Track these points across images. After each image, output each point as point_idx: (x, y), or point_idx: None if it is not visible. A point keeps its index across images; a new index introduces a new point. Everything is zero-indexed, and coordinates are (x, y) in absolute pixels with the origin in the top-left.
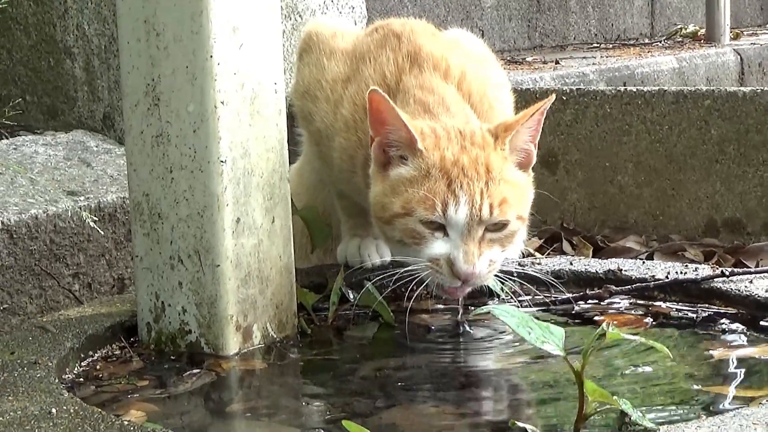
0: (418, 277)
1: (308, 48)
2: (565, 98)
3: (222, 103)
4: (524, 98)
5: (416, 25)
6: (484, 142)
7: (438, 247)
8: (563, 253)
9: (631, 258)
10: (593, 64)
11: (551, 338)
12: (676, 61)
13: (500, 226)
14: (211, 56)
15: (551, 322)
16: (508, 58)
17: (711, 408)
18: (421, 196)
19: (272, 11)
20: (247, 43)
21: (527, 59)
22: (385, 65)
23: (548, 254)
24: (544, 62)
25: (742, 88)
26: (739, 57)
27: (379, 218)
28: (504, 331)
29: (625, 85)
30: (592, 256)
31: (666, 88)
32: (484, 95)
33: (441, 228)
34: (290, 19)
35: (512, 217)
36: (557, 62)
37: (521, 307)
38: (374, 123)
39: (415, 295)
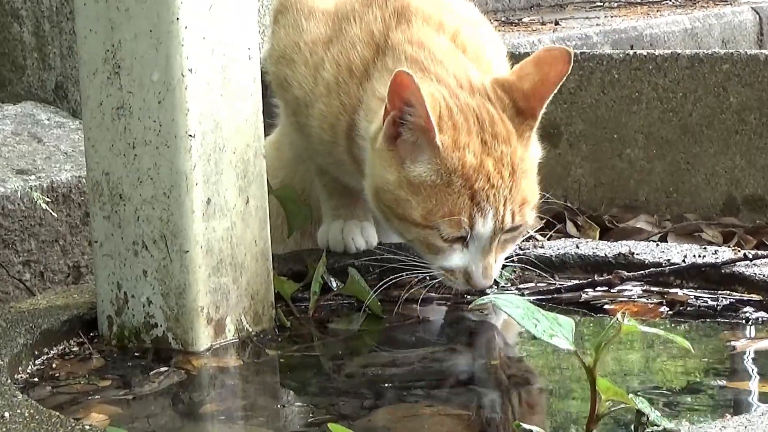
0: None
1: (284, 9)
2: None
3: (190, 70)
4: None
5: None
6: (507, 132)
7: (456, 259)
8: (567, 235)
9: (643, 240)
10: (597, 25)
11: (560, 331)
12: (689, 21)
13: (517, 226)
14: (178, 18)
15: (557, 312)
16: (503, 19)
17: (736, 405)
18: (445, 213)
19: None
20: (218, 4)
21: (524, 20)
22: (373, 23)
23: (551, 237)
24: (543, 23)
25: (764, 51)
26: (757, 16)
27: (389, 208)
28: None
29: (632, 48)
30: (599, 238)
31: (680, 51)
32: (481, 56)
33: (461, 240)
34: None
35: (530, 217)
36: (557, 23)
37: (523, 295)
38: (394, 97)
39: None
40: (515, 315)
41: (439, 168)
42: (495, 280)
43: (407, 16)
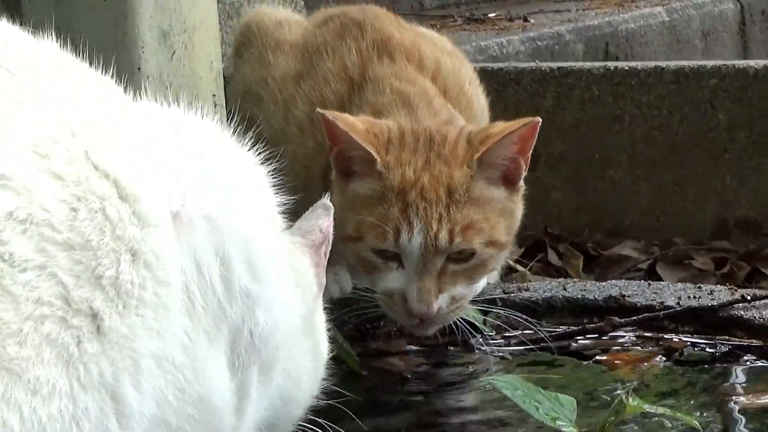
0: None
1: (248, 41)
2: (544, 79)
3: None
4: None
5: (379, 12)
6: (452, 155)
7: (392, 279)
8: (548, 263)
9: (630, 267)
10: (569, 21)
11: (562, 412)
12: (667, 14)
13: (465, 255)
14: None
15: (546, 364)
16: (467, 15)
17: None
18: (371, 222)
19: None
20: None
21: (489, 15)
22: (347, 56)
23: (532, 266)
24: (510, 19)
25: (752, 63)
26: (738, 5)
27: (338, 234)
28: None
29: (607, 45)
30: (583, 267)
31: (663, 65)
32: (461, 91)
33: (396, 258)
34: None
35: (479, 246)
36: (525, 19)
37: (510, 345)
38: (331, 137)
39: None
40: (515, 397)
41: (377, 186)
42: (479, 328)
43: (389, 50)
